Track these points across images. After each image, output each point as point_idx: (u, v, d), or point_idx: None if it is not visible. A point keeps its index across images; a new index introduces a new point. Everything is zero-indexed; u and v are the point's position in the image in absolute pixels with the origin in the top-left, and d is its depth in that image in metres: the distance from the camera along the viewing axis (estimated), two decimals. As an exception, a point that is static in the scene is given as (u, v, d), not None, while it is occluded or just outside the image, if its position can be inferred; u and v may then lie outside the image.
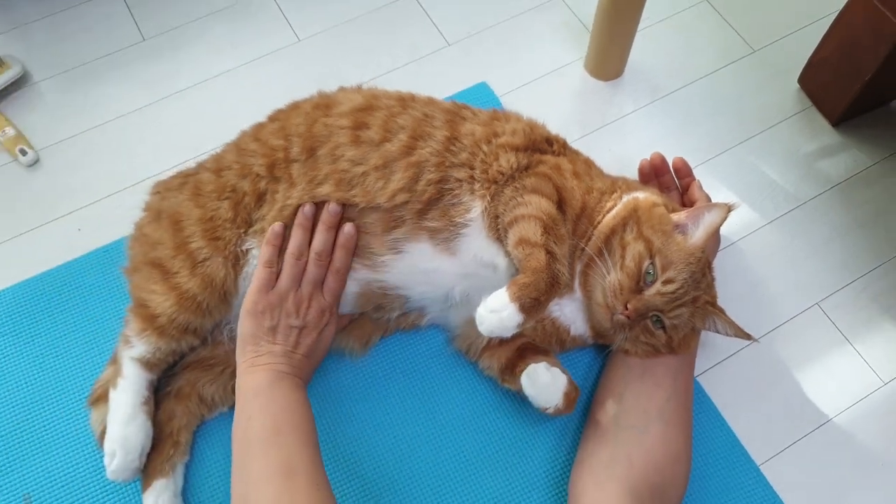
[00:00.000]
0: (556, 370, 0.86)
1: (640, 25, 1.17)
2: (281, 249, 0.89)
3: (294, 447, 0.77)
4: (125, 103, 1.21)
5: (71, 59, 1.25)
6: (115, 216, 1.10)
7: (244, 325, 0.87)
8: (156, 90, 1.23)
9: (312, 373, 0.90)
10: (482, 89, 1.23)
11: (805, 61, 1.22)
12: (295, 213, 0.89)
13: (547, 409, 0.86)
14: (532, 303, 0.79)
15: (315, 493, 0.74)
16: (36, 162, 1.15)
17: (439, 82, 1.22)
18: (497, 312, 0.79)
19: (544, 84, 1.25)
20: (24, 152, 1.14)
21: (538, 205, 0.84)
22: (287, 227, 0.90)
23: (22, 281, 1.05)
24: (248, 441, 0.78)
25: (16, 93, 1.21)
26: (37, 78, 1.23)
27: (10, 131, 1.15)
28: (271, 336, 0.87)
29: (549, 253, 0.82)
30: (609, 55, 1.22)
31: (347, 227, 0.89)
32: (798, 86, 1.24)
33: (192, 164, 1.08)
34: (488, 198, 0.87)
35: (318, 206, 0.89)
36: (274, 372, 0.84)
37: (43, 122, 1.19)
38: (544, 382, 0.86)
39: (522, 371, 0.87)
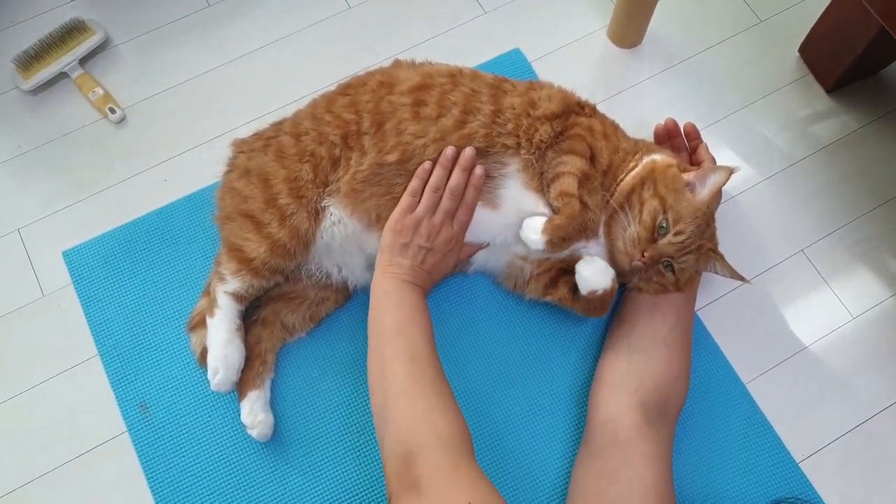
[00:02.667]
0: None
1: (659, -3, 1.29)
2: (425, 183, 1.02)
3: (417, 339, 0.94)
4: (196, 65, 1.34)
5: (145, 23, 1.36)
6: (195, 168, 1.26)
7: (384, 238, 1.02)
8: (222, 53, 1.35)
9: (432, 286, 1.05)
10: (516, 55, 1.36)
11: (806, 32, 1.34)
12: (367, 177, 1.02)
13: (595, 291, 1.01)
14: (558, 240, 0.99)
15: (435, 375, 0.92)
16: (123, 119, 1.29)
17: (477, 48, 1.35)
18: (531, 232, 1.00)
19: (571, 51, 1.37)
20: (113, 110, 1.27)
21: (574, 163, 1.00)
22: (404, 166, 1.03)
23: (121, 225, 1.21)
24: (382, 332, 0.95)
25: (99, 55, 1.33)
26: (117, 41, 1.35)
27: (99, 91, 1.28)
28: (404, 251, 1.01)
29: (583, 203, 1.00)
30: (630, 25, 1.34)
31: (479, 170, 1.02)
32: (798, 55, 1.37)
33: (259, 122, 1.23)
34: (532, 160, 1.02)
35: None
36: (400, 280, 1.00)
37: (125, 83, 1.32)
38: (599, 267, 1.01)
39: (564, 283, 1.05)
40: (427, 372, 0.92)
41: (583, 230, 1.01)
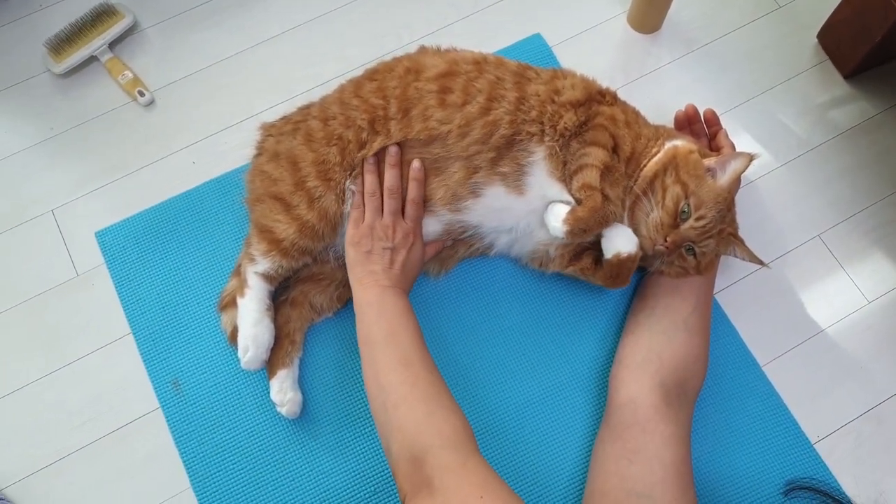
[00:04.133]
0: None
1: (679, -19, 1.30)
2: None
3: (406, 343, 0.97)
4: (222, 49, 1.35)
5: (172, 7, 1.37)
6: (222, 151, 1.28)
7: (348, 256, 1.06)
8: (249, 37, 1.36)
9: (411, 284, 1.08)
10: (537, 40, 1.37)
11: (825, 18, 1.34)
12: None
13: (620, 253, 1.02)
14: (579, 231, 1.01)
15: (429, 376, 0.94)
16: (152, 102, 1.31)
17: (498, 33, 1.36)
18: (554, 220, 1.03)
19: (591, 36, 1.38)
20: (142, 93, 1.29)
21: (596, 155, 1.02)
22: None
23: (152, 206, 1.23)
24: (371, 342, 0.98)
25: (128, 39, 1.35)
26: (144, 25, 1.37)
27: (128, 74, 1.30)
28: (370, 258, 1.04)
29: (605, 196, 1.02)
30: (650, 10, 1.35)
31: (415, 163, 1.05)
32: (816, 41, 1.38)
33: (284, 105, 1.25)
34: (556, 147, 1.04)
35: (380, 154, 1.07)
36: (379, 287, 1.02)
37: (153, 66, 1.33)
38: (625, 231, 1.03)
39: (588, 254, 1.08)
40: (421, 375, 0.94)
41: (604, 222, 1.03)
